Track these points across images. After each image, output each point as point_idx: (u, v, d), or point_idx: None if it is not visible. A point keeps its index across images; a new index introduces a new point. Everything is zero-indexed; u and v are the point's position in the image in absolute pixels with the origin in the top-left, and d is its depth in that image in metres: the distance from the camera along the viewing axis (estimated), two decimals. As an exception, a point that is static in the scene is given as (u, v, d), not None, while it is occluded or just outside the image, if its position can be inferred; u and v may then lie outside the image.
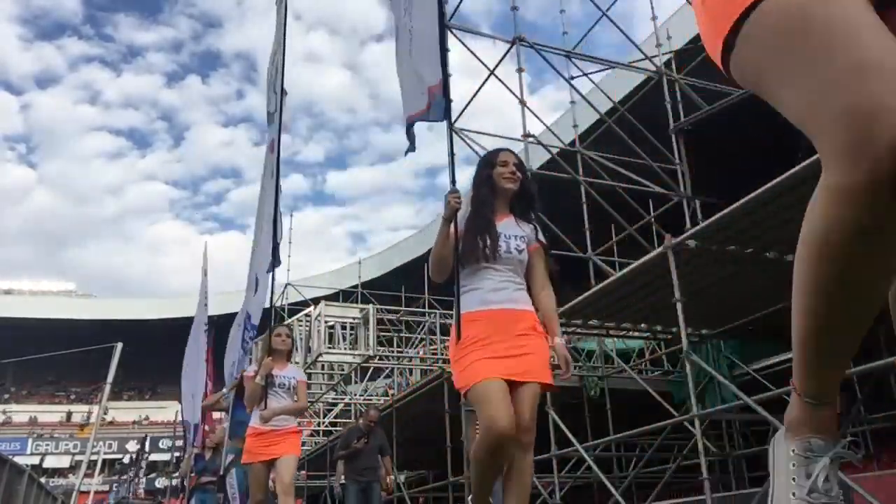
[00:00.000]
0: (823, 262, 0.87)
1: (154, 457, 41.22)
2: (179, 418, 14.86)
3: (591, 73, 10.60)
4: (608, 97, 10.43)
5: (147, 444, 31.72)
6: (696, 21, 1.13)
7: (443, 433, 9.66)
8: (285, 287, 17.86)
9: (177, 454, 32.69)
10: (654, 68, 9.68)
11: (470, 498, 2.71)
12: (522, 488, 2.61)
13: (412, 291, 17.66)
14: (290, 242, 16.82)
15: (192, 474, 8.37)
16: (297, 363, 5.33)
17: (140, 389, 50.17)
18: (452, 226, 2.74)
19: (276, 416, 4.58)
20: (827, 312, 0.93)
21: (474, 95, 9.92)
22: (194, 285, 11.91)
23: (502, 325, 2.64)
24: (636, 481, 9.18)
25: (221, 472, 5.86)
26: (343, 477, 7.75)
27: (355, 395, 18.17)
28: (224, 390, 6.31)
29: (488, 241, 2.72)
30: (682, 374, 9.62)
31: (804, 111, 0.83)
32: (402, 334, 17.93)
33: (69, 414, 47.38)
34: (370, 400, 16.43)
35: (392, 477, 7.60)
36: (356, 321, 17.12)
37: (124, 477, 33.47)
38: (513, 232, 2.85)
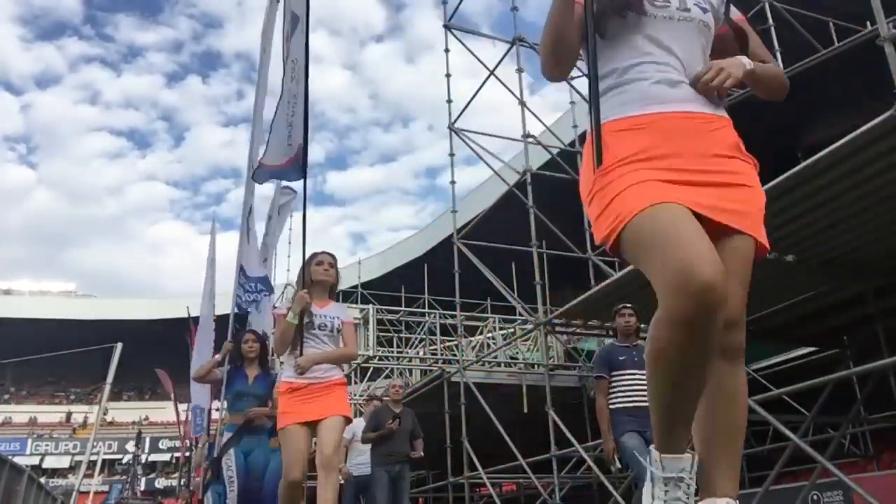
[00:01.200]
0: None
1: (154, 457, 41.29)
2: (183, 417, 14.71)
3: (590, 73, 10.60)
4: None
5: (147, 442, 31.70)
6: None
7: (443, 433, 9.66)
8: (285, 287, 17.85)
9: (177, 455, 32.70)
10: (653, 69, 9.69)
11: (652, 446, 1.50)
12: (734, 418, 1.52)
13: (412, 291, 17.66)
14: (289, 242, 16.80)
15: (206, 465, 7.56)
16: (339, 302, 4.28)
17: (140, 390, 50.16)
18: None
19: (316, 364, 3.65)
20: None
21: (474, 95, 9.93)
22: (194, 286, 11.89)
23: (688, 137, 1.53)
24: (636, 482, 9.18)
25: (216, 454, 4.99)
26: (353, 467, 7.00)
27: (355, 395, 18.18)
28: (217, 357, 5.42)
29: None
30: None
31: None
32: (401, 334, 17.93)
33: (69, 414, 47.37)
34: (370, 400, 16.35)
35: (420, 454, 6.67)
36: (356, 321, 17.11)
37: (124, 477, 33.38)
38: None
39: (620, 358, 4.54)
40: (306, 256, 3.96)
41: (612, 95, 1.59)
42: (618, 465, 4.47)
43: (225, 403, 5.15)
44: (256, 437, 4.83)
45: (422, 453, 6.71)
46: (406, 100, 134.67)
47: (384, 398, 7.40)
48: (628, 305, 4.85)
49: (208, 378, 5.33)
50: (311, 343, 3.68)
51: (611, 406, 4.45)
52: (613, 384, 4.49)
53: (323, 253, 3.96)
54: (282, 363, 4.10)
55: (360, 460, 6.98)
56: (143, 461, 31.65)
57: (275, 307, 5.00)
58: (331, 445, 3.56)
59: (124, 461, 37.49)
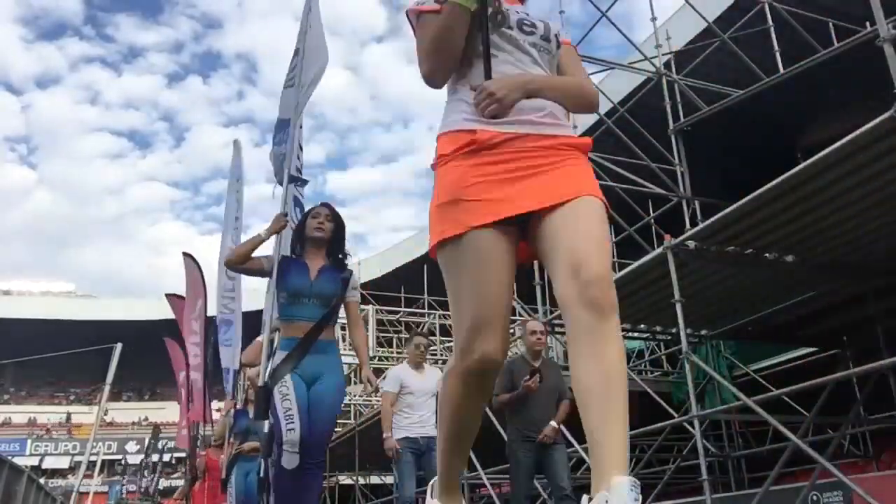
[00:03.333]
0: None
1: (153, 458, 41.22)
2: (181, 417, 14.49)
3: (590, 73, 10.60)
4: (607, 98, 10.42)
5: (146, 443, 31.62)
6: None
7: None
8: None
9: (178, 455, 32.64)
10: (653, 69, 9.68)
11: None
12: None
13: (412, 292, 17.66)
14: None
15: (231, 439, 6.04)
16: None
17: (139, 390, 50.14)
18: None
19: (529, 97, 1.64)
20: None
21: (474, 96, 9.92)
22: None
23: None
24: (636, 482, 9.16)
25: (262, 383, 3.34)
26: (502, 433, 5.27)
27: (355, 395, 18.17)
28: (261, 233, 3.56)
29: None
30: (681, 375, 9.62)
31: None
32: (401, 335, 17.92)
33: (69, 415, 47.36)
34: (370, 400, 16.37)
35: (556, 424, 4.83)
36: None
37: (134, 476, 33.22)
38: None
39: None
40: None
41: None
42: None
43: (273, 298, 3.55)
44: (324, 357, 3.35)
45: (555, 425, 4.84)
46: (407, 100, 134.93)
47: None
48: None
49: (247, 265, 3.50)
50: (505, 60, 1.68)
51: None
52: None
53: None
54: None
55: (414, 421, 5.13)
56: (143, 462, 31.52)
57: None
58: (599, 261, 1.46)
59: (130, 461, 37.42)
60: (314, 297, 3.35)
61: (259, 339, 4.70)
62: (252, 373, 5.39)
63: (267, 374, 3.35)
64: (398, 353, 17.93)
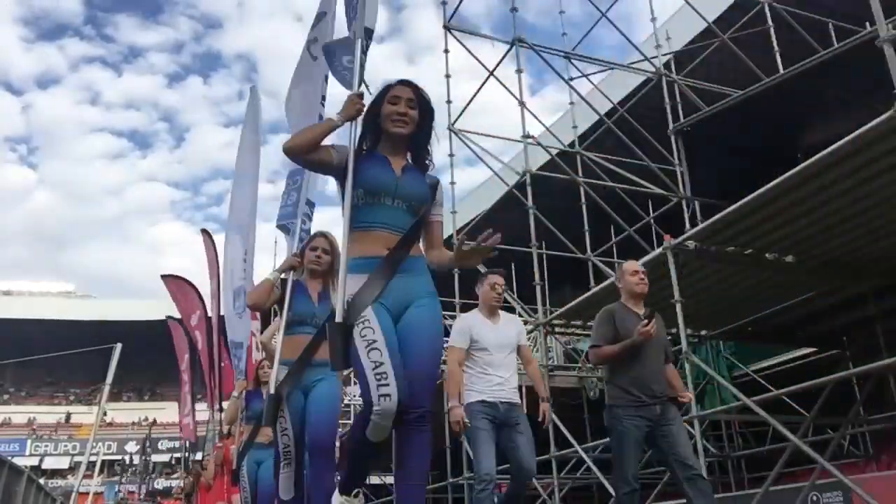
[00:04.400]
0: None
1: (153, 457, 41.22)
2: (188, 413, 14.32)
3: (590, 74, 10.62)
4: (608, 98, 10.43)
5: (147, 441, 31.63)
6: None
7: (442, 433, 9.65)
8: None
9: (177, 455, 32.63)
10: (653, 69, 9.68)
11: None
12: None
13: (412, 292, 17.65)
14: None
15: (242, 423, 5.37)
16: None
17: (139, 390, 50.11)
18: None
19: None
20: None
21: (474, 96, 9.93)
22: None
23: None
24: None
25: (339, 319, 2.47)
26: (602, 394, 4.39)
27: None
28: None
29: None
30: (681, 375, 9.62)
31: None
32: (401, 335, 17.93)
33: (68, 415, 47.34)
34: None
35: (691, 395, 4.17)
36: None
37: (131, 477, 33.25)
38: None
39: None
40: None
41: None
42: None
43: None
44: (412, 278, 2.42)
45: (691, 394, 4.18)
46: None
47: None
48: None
49: (314, 155, 2.46)
50: None
51: None
52: None
53: None
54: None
55: (493, 382, 4.00)
56: (142, 461, 31.58)
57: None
58: None
59: (131, 462, 37.41)
60: (399, 199, 2.40)
61: (269, 275, 3.69)
62: (265, 338, 4.33)
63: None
64: (398, 353, 17.93)
